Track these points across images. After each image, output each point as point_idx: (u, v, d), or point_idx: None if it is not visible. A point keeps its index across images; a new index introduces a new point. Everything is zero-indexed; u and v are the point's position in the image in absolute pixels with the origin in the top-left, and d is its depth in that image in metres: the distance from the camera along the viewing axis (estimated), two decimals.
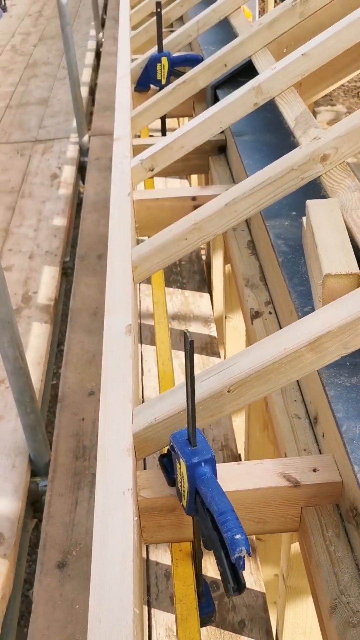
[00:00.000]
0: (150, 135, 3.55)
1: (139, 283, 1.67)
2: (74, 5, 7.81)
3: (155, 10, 3.40)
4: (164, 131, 2.60)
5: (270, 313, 1.47)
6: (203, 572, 1.21)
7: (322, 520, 0.99)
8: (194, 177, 3.60)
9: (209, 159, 2.25)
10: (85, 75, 5.57)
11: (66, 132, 4.56)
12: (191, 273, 2.90)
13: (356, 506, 0.93)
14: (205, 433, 2.05)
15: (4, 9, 7.96)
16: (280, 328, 1.43)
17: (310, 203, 1.20)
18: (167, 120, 2.42)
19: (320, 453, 1.11)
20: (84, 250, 3.11)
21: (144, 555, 1.70)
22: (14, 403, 2.09)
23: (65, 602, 1.61)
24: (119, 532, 0.85)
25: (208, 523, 0.85)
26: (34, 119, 4.83)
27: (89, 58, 6.13)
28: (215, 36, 2.83)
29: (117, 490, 0.90)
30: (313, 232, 1.12)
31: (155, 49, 2.55)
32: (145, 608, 1.52)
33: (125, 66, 2.58)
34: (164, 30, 2.50)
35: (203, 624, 1.04)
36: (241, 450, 2.08)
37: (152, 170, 1.85)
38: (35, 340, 2.58)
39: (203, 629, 1.26)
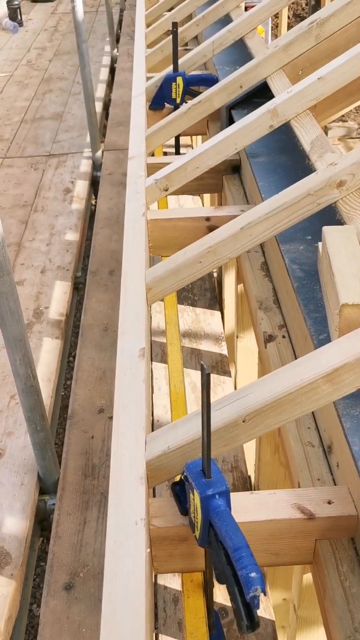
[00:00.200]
0: (164, 153, 3.57)
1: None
2: (89, 21, 7.90)
3: (170, 29, 3.44)
4: (177, 150, 2.61)
5: (283, 337, 1.47)
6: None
7: (337, 554, 0.97)
8: (207, 195, 3.61)
9: (223, 178, 2.25)
10: (100, 91, 5.62)
11: (80, 146, 4.59)
12: (202, 290, 2.90)
13: None
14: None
15: (20, 24, 8.06)
16: (294, 353, 1.42)
17: (326, 230, 1.19)
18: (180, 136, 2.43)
19: (335, 484, 1.09)
20: (95, 265, 3.11)
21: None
22: (23, 419, 2.09)
23: (72, 625, 1.59)
24: (131, 565, 0.84)
25: (222, 557, 0.84)
26: (48, 133, 4.87)
27: (104, 74, 6.18)
28: (230, 56, 2.84)
29: (130, 520, 0.89)
30: (330, 260, 1.11)
31: (170, 68, 2.57)
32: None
33: (140, 85, 2.60)
34: (179, 49, 2.52)
35: None
36: (251, 472, 2.06)
37: (166, 190, 1.86)
38: (46, 355, 2.58)
39: None
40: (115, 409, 1.08)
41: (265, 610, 1.62)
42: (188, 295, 2.86)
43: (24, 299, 2.89)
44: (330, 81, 1.66)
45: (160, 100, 2.62)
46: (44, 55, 6.89)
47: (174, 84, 2.56)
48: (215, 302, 2.83)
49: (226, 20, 3.06)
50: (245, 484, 2.00)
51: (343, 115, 7.66)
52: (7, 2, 7.99)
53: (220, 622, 1.08)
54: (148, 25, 3.59)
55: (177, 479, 1.01)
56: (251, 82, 2.10)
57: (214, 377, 2.43)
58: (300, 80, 2.03)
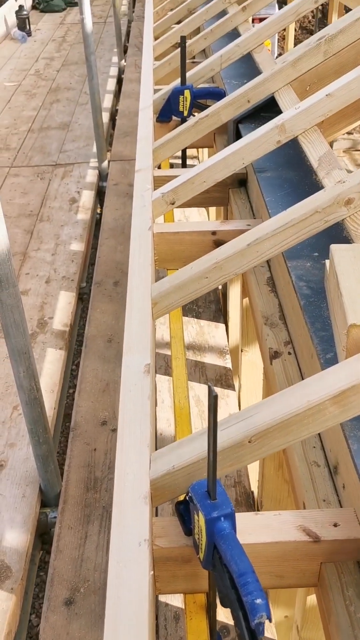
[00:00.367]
0: (171, 164, 3.57)
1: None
2: (97, 32, 7.96)
3: (178, 42, 3.46)
4: (184, 162, 2.62)
5: (289, 354, 1.46)
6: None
7: (342, 578, 0.96)
8: (212, 207, 3.61)
9: (229, 191, 2.26)
10: (107, 101, 5.65)
11: (86, 156, 4.61)
12: (207, 302, 2.89)
13: None
14: None
15: (29, 34, 8.12)
16: (300, 370, 1.41)
17: (334, 248, 1.19)
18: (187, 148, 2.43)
19: (341, 505, 1.08)
20: (100, 276, 3.11)
21: None
22: (26, 430, 2.08)
23: None
24: (134, 588, 0.83)
25: (226, 581, 0.83)
26: (55, 143, 4.89)
27: (111, 84, 6.22)
28: (237, 70, 2.85)
29: (133, 541, 0.88)
30: (337, 279, 1.11)
31: (177, 80, 2.58)
32: None
33: (148, 97, 2.61)
34: (186, 62, 2.53)
35: None
36: (254, 487, 2.05)
37: (173, 203, 1.86)
38: (49, 366, 2.57)
39: None
40: (119, 426, 1.07)
41: (267, 629, 1.60)
42: (192, 307, 2.86)
43: (28, 309, 2.89)
44: (339, 98, 1.66)
45: (168, 112, 2.63)
46: (51, 65, 6.94)
47: (181, 96, 2.57)
48: (220, 314, 2.83)
49: (234, 34, 3.08)
50: (248, 500, 1.99)
51: None
52: (16, 12, 8.07)
53: None
54: (156, 38, 3.61)
55: (180, 498, 1.00)
56: (259, 97, 2.11)
57: (217, 391, 2.42)
58: (307, 96, 2.03)
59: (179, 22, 3.73)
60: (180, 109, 2.58)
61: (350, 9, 4.50)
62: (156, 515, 1.26)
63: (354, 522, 0.97)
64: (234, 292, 2.60)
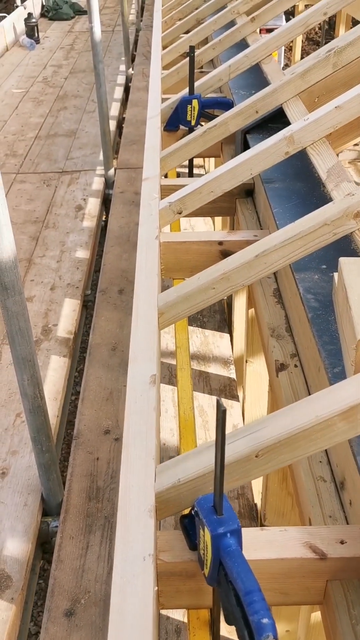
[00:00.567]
0: (178, 174, 3.58)
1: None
2: (105, 40, 8.01)
3: (186, 52, 3.47)
4: (190, 171, 2.62)
5: (295, 366, 1.45)
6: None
7: (349, 597, 0.95)
8: (218, 217, 3.61)
9: (236, 201, 2.25)
10: (114, 109, 5.67)
11: (92, 164, 4.62)
12: (212, 312, 2.89)
13: None
14: None
15: (37, 41, 8.18)
16: (306, 383, 1.40)
17: (343, 261, 1.18)
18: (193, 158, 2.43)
19: (347, 522, 1.07)
20: (105, 284, 3.11)
21: None
22: (29, 438, 2.07)
23: None
24: (138, 603, 0.82)
25: (231, 598, 0.81)
26: (62, 150, 4.91)
27: (118, 92, 6.25)
28: (245, 80, 2.86)
29: (138, 555, 0.87)
30: (346, 292, 1.10)
31: (185, 90, 2.59)
32: None
33: (155, 106, 2.61)
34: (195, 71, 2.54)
35: None
36: (257, 499, 2.03)
37: (180, 213, 1.86)
38: (53, 374, 2.56)
39: None
40: (124, 436, 1.06)
41: None
42: (197, 317, 2.85)
43: (32, 316, 2.89)
44: (348, 110, 1.66)
45: (175, 122, 2.63)
46: (59, 73, 6.97)
47: (189, 106, 2.57)
48: (225, 324, 2.82)
49: (241, 44, 3.09)
50: (252, 512, 1.97)
51: None
52: (25, 20, 8.12)
53: None
54: (164, 47, 3.62)
55: (185, 512, 0.99)
56: (267, 108, 2.11)
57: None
58: (316, 107, 2.03)
59: (187, 32, 3.74)
60: (188, 118, 2.59)
61: (359, 21, 4.51)
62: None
63: None
64: (239, 303, 2.59)
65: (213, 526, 0.84)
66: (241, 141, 2.36)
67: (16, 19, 8.20)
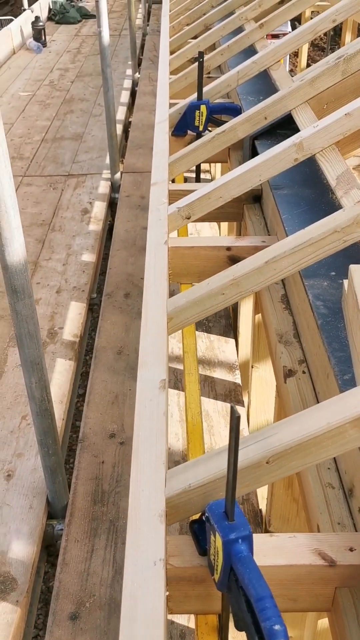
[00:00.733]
0: (185, 179, 3.59)
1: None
2: (112, 44, 8.03)
3: (194, 57, 3.49)
4: (198, 177, 2.63)
5: (304, 372, 1.45)
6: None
7: (357, 604, 0.95)
8: (224, 222, 3.62)
9: (244, 207, 2.26)
10: (120, 113, 5.69)
11: (99, 168, 4.64)
12: (217, 317, 2.89)
13: None
14: None
15: (44, 44, 8.21)
16: (314, 389, 1.40)
17: (353, 268, 1.18)
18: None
19: (356, 529, 1.07)
20: (111, 287, 3.12)
21: None
22: (34, 440, 2.07)
23: None
24: (149, 607, 0.82)
25: (242, 604, 0.82)
26: (68, 153, 4.92)
27: (125, 96, 6.27)
28: (254, 86, 2.87)
29: (149, 560, 0.87)
30: (357, 299, 1.10)
31: (193, 95, 2.60)
32: None
33: (164, 111, 2.62)
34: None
35: None
36: (262, 505, 2.03)
37: (188, 218, 1.86)
38: (59, 377, 2.57)
39: None
40: (134, 441, 1.06)
41: None
42: (202, 322, 2.85)
43: (38, 319, 2.89)
44: (358, 117, 1.67)
45: (183, 127, 2.64)
46: (66, 76, 7.00)
47: (197, 111, 2.58)
48: (230, 329, 2.83)
49: (249, 50, 3.10)
50: (256, 518, 1.97)
51: None
52: (32, 23, 8.16)
53: None
54: (172, 52, 3.64)
55: (193, 517, 0.99)
56: (276, 114, 2.12)
57: (226, 406, 2.41)
58: (325, 114, 2.04)
59: (195, 37, 3.76)
60: (196, 123, 2.60)
61: None
62: None
63: None
64: (245, 308, 2.59)
65: (224, 532, 0.84)
66: (249, 147, 2.37)
67: (23, 22, 8.23)
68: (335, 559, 0.96)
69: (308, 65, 8.57)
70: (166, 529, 0.96)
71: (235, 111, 2.57)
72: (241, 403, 2.40)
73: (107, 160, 4.52)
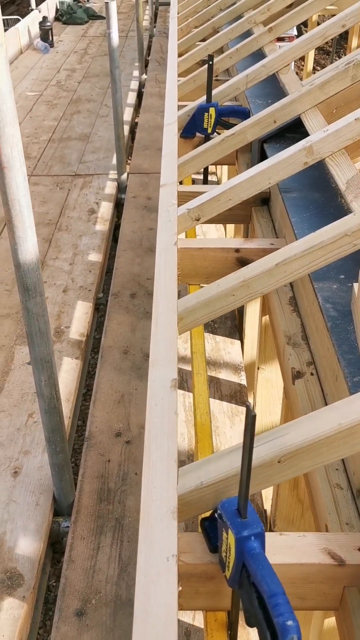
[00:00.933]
0: (192, 181, 3.60)
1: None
2: (119, 46, 8.05)
3: (202, 60, 3.50)
4: (205, 179, 2.65)
5: (312, 374, 1.46)
6: None
7: None
8: (230, 225, 3.64)
9: (252, 210, 2.27)
10: (126, 114, 5.71)
11: (105, 168, 4.66)
12: (223, 318, 2.91)
13: None
14: None
15: (51, 45, 8.24)
16: (322, 391, 1.41)
17: None
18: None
19: None
20: (117, 287, 3.13)
21: None
22: (41, 438, 2.09)
23: None
24: (163, 602, 0.83)
25: (254, 600, 0.83)
26: (75, 153, 4.94)
27: (131, 98, 6.29)
28: (262, 89, 2.89)
29: (162, 555, 0.88)
30: None
31: (202, 98, 2.62)
32: None
33: (172, 113, 2.64)
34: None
35: None
36: (267, 505, 2.04)
37: (197, 219, 1.88)
38: (65, 375, 2.58)
39: None
40: (146, 439, 1.08)
41: None
42: (208, 323, 2.87)
43: None
44: None
45: (192, 129, 2.66)
46: (73, 77, 7.02)
47: (206, 114, 2.60)
48: (235, 331, 2.84)
49: (257, 54, 3.12)
50: (261, 518, 1.99)
51: None
52: (40, 23, 8.19)
53: None
54: (180, 55, 3.65)
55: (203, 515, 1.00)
56: (285, 118, 2.13)
57: (231, 407, 2.42)
58: (334, 118, 2.06)
59: (203, 40, 3.78)
60: (205, 125, 2.62)
61: None
62: None
63: None
64: (252, 310, 2.61)
65: (237, 529, 0.85)
66: (258, 150, 2.39)
67: (31, 22, 8.26)
68: (344, 559, 0.97)
69: (314, 68, 8.59)
70: (178, 525, 0.97)
71: (243, 114, 2.58)
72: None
73: (114, 161, 4.54)
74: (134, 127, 5.79)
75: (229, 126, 2.49)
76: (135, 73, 7.02)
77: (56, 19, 9.56)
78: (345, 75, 2.05)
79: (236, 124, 2.31)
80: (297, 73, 9.91)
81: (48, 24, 8.19)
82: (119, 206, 4.28)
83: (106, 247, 3.67)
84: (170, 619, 0.81)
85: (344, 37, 10.36)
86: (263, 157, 2.28)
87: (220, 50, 3.78)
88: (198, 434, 1.57)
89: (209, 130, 2.60)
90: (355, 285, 1.27)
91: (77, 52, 8.09)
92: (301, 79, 5.22)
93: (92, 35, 8.90)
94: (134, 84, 6.71)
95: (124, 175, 4.45)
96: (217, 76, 3.48)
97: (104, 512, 1.95)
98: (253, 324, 2.72)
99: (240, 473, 0.85)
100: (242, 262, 1.88)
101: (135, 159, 4.81)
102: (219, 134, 2.49)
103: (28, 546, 1.83)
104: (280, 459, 0.95)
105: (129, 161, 4.91)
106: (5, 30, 7.75)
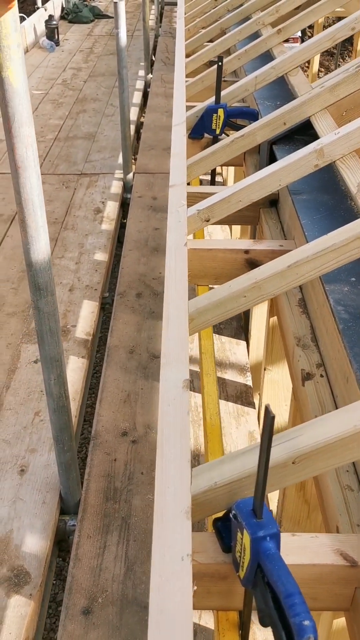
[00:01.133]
0: (200, 182, 3.61)
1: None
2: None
3: (210, 60, 3.51)
4: (213, 180, 2.65)
5: (321, 376, 1.47)
6: None
7: None
8: (236, 226, 3.64)
9: (260, 211, 2.28)
10: (133, 114, 5.71)
11: (111, 167, 4.66)
12: (228, 319, 2.91)
13: None
14: None
15: (57, 43, 8.25)
16: (332, 393, 1.42)
17: None
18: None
19: None
20: (123, 287, 3.14)
21: None
22: (47, 436, 2.10)
23: None
24: (178, 601, 0.84)
25: (268, 600, 0.84)
26: (81, 152, 4.95)
27: (137, 97, 6.29)
28: (271, 91, 2.89)
29: (176, 555, 0.89)
30: None
31: (210, 99, 2.62)
32: None
33: (181, 114, 2.64)
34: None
35: None
36: (273, 506, 2.05)
37: (207, 220, 1.89)
38: (72, 374, 2.59)
39: None
40: (158, 439, 1.08)
41: None
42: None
43: None
44: None
45: (201, 130, 2.67)
46: (79, 76, 7.03)
47: (215, 115, 2.60)
48: (241, 331, 2.85)
49: (266, 55, 3.12)
50: None
51: None
52: (46, 22, 8.20)
53: None
54: (187, 55, 3.66)
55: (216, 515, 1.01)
56: (295, 120, 2.14)
57: (237, 407, 2.43)
58: (344, 120, 2.06)
59: (210, 41, 3.78)
60: (213, 127, 2.62)
61: None
62: None
63: None
64: (259, 311, 2.61)
65: (253, 529, 0.86)
66: (267, 152, 2.39)
67: (37, 21, 8.27)
68: (356, 560, 0.97)
69: (319, 71, 8.60)
70: (191, 525, 0.98)
71: (252, 116, 2.59)
72: (252, 405, 2.41)
73: (120, 160, 4.55)
74: (139, 126, 5.80)
75: (237, 127, 2.49)
76: (141, 73, 7.02)
77: (62, 17, 9.56)
78: (355, 78, 2.05)
79: (244, 126, 2.32)
80: None
81: (54, 22, 8.20)
82: (124, 205, 4.29)
83: (112, 246, 3.67)
84: (185, 618, 0.82)
85: (348, 40, 10.37)
86: (272, 159, 2.28)
87: (228, 52, 3.79)
88: (208, 434, 1.58)
89: (217, 132, 2.61)
90: None
91: (83, 51, 8.09)
92: None
93: (97, 34, 8.91)
94: (140, 84, 6.71)
95: (130, 175, 4.46)
96: (224, 77, 3.48)
97: (110, 511, 1.96)
98: (260, 325, 2.72)
99: (257, 473, 0.85)
100: (251, 263, 1.88)
101: (141, 159, 4.82)
102: (227, 135, 2.49)
103: (35, 544, 1.84)
104: (295, 460, 0.96)
105: (134, 161, 4.92)
106: None
